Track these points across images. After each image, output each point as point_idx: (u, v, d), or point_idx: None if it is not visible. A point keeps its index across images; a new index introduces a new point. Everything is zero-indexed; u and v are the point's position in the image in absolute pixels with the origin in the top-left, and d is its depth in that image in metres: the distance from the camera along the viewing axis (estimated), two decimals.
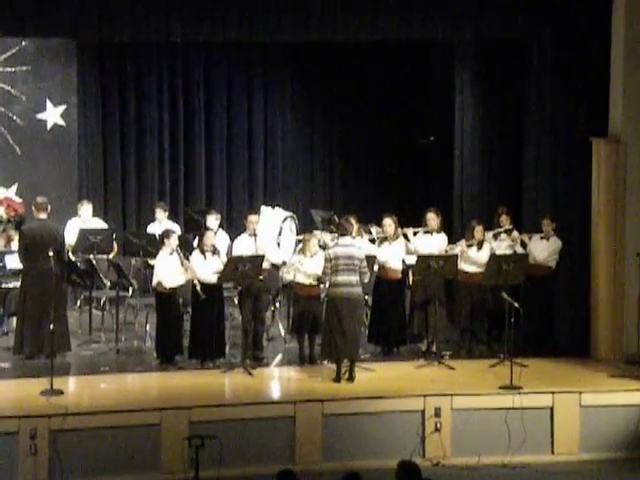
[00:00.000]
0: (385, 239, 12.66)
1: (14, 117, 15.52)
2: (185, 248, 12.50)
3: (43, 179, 15.39)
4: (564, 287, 12.93)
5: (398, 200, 15.90)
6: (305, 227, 14.74)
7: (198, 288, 11.76)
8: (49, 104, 15.67)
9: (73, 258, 13.16)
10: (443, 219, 13.05)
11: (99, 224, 14.17)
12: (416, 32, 12.66)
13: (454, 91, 15.59)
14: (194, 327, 12.00)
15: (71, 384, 11.44)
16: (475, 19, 12.57)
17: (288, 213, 14.42)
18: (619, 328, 12.36)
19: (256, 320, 12.29)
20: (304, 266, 12.13)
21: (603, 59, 12.44)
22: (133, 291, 13.36)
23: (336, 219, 13.54)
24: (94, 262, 13.04)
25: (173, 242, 12.04)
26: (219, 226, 13.58)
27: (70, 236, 13.24)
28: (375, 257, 12.47)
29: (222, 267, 11.75)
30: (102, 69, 16.18)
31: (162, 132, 16.55)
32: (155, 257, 12.32)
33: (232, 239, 12.95)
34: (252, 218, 12.50)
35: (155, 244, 12.76)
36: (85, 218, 14.10)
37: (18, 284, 12.50)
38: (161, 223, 14.31)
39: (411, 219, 13.12)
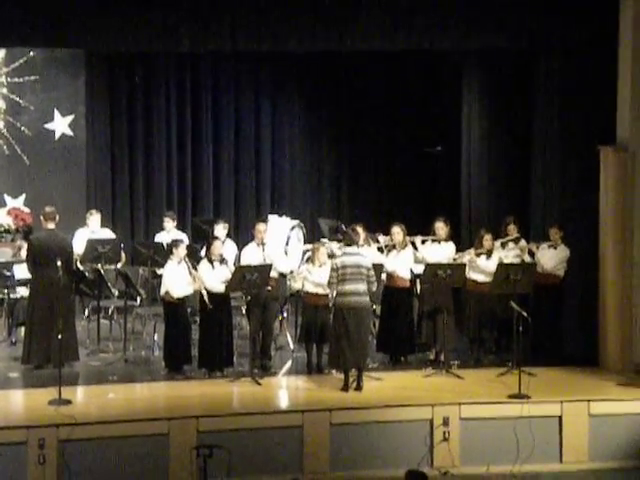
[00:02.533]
0: (394, 247, 12.66)
1: (22, 127, 15.58)
2: (193, 257, 12.51)
3: (51, 189, 15.44)
4: (572, 296, 12.89)
5: (406, 209, 15.90)
6: (312, 236, 14.75)
7: (206, 298, 11.76)
8: (57, 114, 15.73)
9: (81, 268, 13.17)
10: (451, 228, 13.06)
11: (108, 234, 14.18)
12: (424, 42, 12.64)
13: (461, 100, 15.60)
14: (202, 336, 11.99)
15: (79, 394, 11.42)
16: (482, 29, 12.55)
17: (295, 222, 14.43)
18: (627, 337, 12.33)
19: (264, 329, 12.30)
20: (313, 275, 12.13)
21: (610, 67, 12.43)
22: (141, 301, 13.39)
23: (343, 228, 13.55)
24: (102, 272, 13.05)
25: (181, 252, 12.04)
26: (227, 235, 13.59)
27: (78, 246, 13.25)
28: (383, 266, 12.48)
29: (230, 276, 11.76)
30: (110, 79, 16.21)
31: (170, 142, 16.57)
32: (163, 267, 12.34)
33: (240, 248, 12.96)
34: (260, 227, 12.51)
35: (163, 254, 12.77)
36: (94, 228, 14.11)
37: (26, 294, 12.54)
38: (169, 233, 14.32)
39: (419, 228, 13.12)
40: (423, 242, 12.87)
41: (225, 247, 12.79)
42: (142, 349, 13.04)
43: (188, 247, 12.67)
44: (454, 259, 12.72)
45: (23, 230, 15.30)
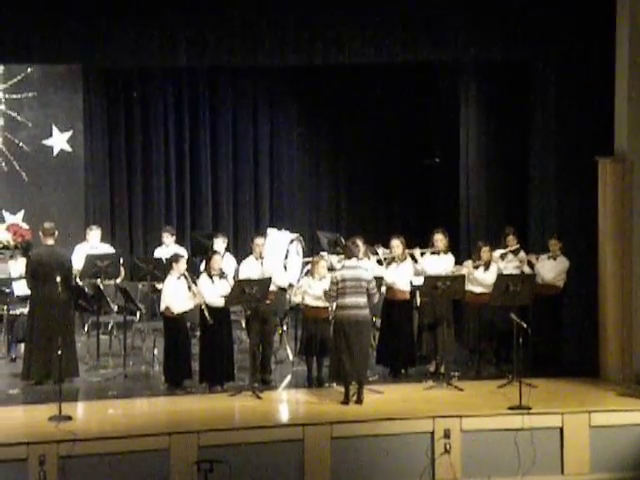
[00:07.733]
0: (393, 260, 12.66)
1: (20, 143, 15.60)
2: (192, 272, 12.51)
3: (50, 205, 15.46)
4: (572, 307, 12.89)
5: (404, 221, 15.92)
6: (312, 249, 14.75)
7: (206, 313, 11.75)
8: (55, 130, 15.75)
9: (80, 283, 13.15)
10: (450, 240, 13.06)
11: (107, 249, 14.17)
12: (420, 53, 12.69)
13: (459, 112, 15.62)
14: (203, 351, 11.98)
15: (79, 410, 11.41)
16: (479, 40, 12.59)
17: (294, 235, 14.41)
18: (628, 347, 12.31)
19: (264, 343, 12.29)
20: (312, 289, 12.12)
21: (608, 78, 12.46)
22: (140, 316, 13.37)
23: (342, 241, 13.55)
24: (101, 287, 13.04)
25: (181, 266, 12.03)
26: (226, 249, 13.60)
27: (77, 261, 13.24)
28: (383, 278, 12.47)
29: (229, 290, 11.75)
30: (108, 94, 16.25)
31: (168, 157, 16.60)
32: (162, 281, 12.33)
33: (239, 262, 12.95)
34: (258, 241, 12.51)
35: (162, 268, 12.76)
36: (93, 243, 14.10)
37: (26, 310, 12.53)
38: (168, 247, 14.32)
39: (418, 240, 13.13)
40: (422, 254, 12.88)
41: (224, 261, 12.79)
42: (142, 364, 13.01)
43: (187, 261, 12.66)
44: (452, 272, 12.71)
45: (22, 246, 15.29)
